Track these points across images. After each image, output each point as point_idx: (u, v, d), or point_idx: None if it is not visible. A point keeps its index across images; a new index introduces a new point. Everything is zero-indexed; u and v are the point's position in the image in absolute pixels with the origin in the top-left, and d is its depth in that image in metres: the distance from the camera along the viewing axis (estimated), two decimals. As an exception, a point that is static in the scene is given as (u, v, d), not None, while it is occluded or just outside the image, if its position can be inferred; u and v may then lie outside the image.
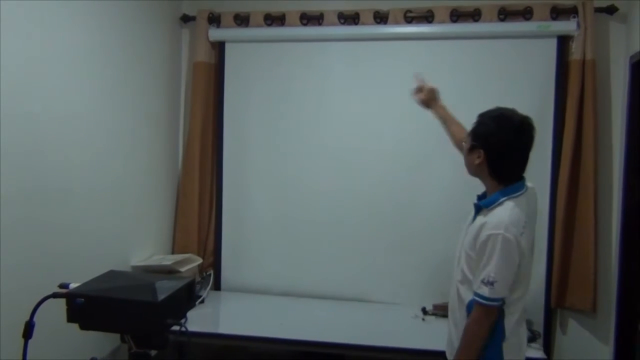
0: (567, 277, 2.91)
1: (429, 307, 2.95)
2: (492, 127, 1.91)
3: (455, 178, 2.92)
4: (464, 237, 2.01)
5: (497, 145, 1.90)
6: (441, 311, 2.89)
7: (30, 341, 1.46)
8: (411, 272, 3.12)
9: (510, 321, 1.89)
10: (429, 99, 2.40)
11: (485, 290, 1.81)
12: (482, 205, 1.94)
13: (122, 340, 1.62)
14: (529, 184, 1.99)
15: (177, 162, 3.38)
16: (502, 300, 1.84)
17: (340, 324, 2.82)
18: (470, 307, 1.89)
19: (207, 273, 3.24)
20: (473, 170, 2.00)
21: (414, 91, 2.43)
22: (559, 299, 2.91)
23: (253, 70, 3.24)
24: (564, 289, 2.91)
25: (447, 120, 2.37)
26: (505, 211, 1.85)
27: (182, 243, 3.26)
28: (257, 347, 2.78)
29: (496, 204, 1.88)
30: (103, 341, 2.47)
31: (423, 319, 2.88)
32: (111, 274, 1.64)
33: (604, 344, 2.93)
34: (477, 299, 1.84)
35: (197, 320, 2.66)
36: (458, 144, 2.26)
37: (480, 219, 1.90)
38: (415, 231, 3.11)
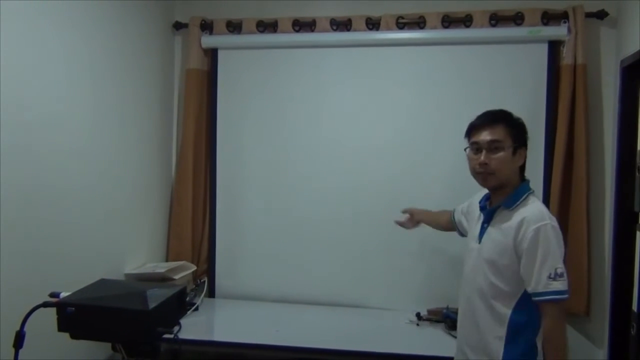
0: (560, 281, 2.91)
1: (424, 313, 2.94)
2: (521, 122, 1.94)
3: (450, 183, 2.95)
4: (475, 251, 1.95)
5: (526, 136, 1.95)
6: (436, 316, 2.89)
7: (20, 351, 1.45)
8: (406, 277, 3.12)
9: (539, 338, 1.83)
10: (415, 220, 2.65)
11: (558, 285, 1.72)
12: (504, 205, 1.89)
13: (114, 349, 1.61)
14: None
15: (171, 169, 3.37)
16: None
17: (335, 330, 2.81)
18: (514, 322, 1.81)
19: (202, 280, 3.22)
20: (513, 174, 1.92)
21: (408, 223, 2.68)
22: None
23: (246, 77, 3.25)
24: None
25: (432, 219, 2.57)
26: (536, 204, 1.84)
27: (175, 250, 3.26)
28: (252, 354, 2.77)
29: (520, 200, 1.86)
30: (94, 350, 2.45)
31: (418, 324, 2.87)
32: (102, 283, 1.64)
33: (598, 347, 2.94)
34: (551, 297, 1.73)
35: (192, 328, 2.66)
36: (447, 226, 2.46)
37: (505, 222, 1.85)
38: (409, 236, 3.08)
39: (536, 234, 1.75)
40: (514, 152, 1.89)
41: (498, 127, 1.89)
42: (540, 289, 1.75)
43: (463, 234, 2.29)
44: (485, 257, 1.89)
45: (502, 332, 1.83)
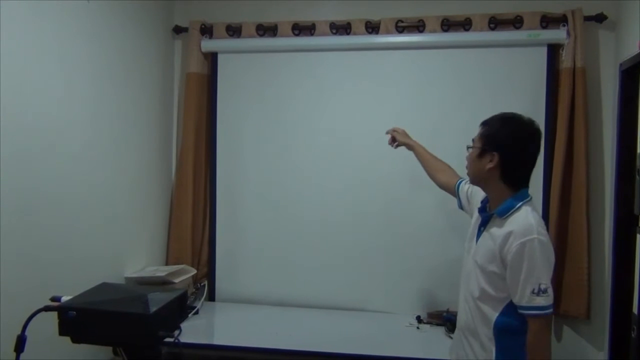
0: (560, 284, 2.92)
1: (424, 316, 2.95)
2: (506, 130, 1.90)
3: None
4: (472, 252, 1.97)
5: (513, 147, 1.88)
6: (436, 320, 2.89)
7: (22, 355, 1.45)
8: (406, 281, 3.12)
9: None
10: (404, 138, 2.58)
11: (540, 301, 1.73)
12: (497, 213, 1.88)
13: (115, 353, 1.62)
14: None
15: (171, 172, 3.38)
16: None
17: (335, 334, 2.81)
18: (499, 325, 1.83)
19: (202, 284, 3.22)
20: (482, 176, 1.93)
21: (390, 141, 2.62)
22: (553, 306, 2.91)
23: (246, 81, 3.25)
24: (558, 296, 2.92)
25: (425, 157, 2.49)
26: (527, 215, 1.81)
27: (176, 254, 3.26)
28: (252, 357, 2.76)
29: (513, 210, 1.84)
30: (96, 354, 2.45)
31: (418, 328, 2.87)
32: (103, 287, 1.64)
33: (598, 350, 2.94)
34: (534, 312, 1.75)
35: (192, 332, 2.66)
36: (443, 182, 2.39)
37: (497, 230, 1.85)
38: (409, 240, 3.11)
39: (522, 248, 1.76)
40: (480, 154, 1.91)
41: (480, 129, 1.97)
42: (524, 303, 1.77)
43: (462, 207, 2.28)
44: (477, 261, 1.91)
45: (490, 333, 1.87)
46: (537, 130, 1.91)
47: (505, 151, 1.88)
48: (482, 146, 1.91)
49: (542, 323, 1.77)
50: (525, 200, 1.87)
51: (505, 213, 1.85)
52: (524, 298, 1.76)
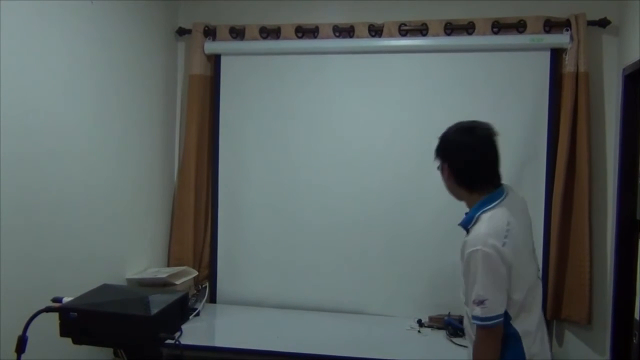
0: (562, 289, 2.91)
1: (425, 319, 2.94)
2: (448, 138, 1.95)
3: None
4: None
5: (451, 150, 1.92)
6: (437, 323, 2.89)
7: (23, 355, 1.45)
8: (407, 284, 3.12)
9: (528, 340, 1.83)
10: None
11: (477, 311, 1.75)
12: (461, 225, 1.91)
13: (115, 354, 1.62)
14: (512, 193, 1.96)
15: (173, 174, 3.38)
16: (500, 318, 1.77)
17: (336, 337, 2.81)
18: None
19: (203, 285, 3.22)
20: (450, 189, 1.97)
21: None
22: (555, 311, 2.91)
23: (249, 83, 3.26)
24: (560, 300, 2.92)
25: None
26: (482, 225, 1.80)
27: (177, 255, 3.26)
28: (252, 360, 2.77)
29: (473, 221, 1.84)
30: (96, 355, 2.44)
31: (419, 331, 2.87)
32: (104, 288, 1.64)
33: (600, 355, 2.93)
34: (474, 321, 1.79)
35: (193, 334, 2.65)
36: None
37: (464, 239, 1.88)
38: (411, 243, 3.11)
39: (468, 258, 1.78)
40: (441, 169, 1.96)
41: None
42: (470, 311, 1.81)
43: None
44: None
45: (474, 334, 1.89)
46: (478, 128, 1.90)
47: (451, 158, 1.92)
48: (442, 163, 1.96)
49: (482, 333, 1.78)
50: (486, 208, 1.84)
51: (468, 224, 1.87)
52: (469, 305, 1.80)
